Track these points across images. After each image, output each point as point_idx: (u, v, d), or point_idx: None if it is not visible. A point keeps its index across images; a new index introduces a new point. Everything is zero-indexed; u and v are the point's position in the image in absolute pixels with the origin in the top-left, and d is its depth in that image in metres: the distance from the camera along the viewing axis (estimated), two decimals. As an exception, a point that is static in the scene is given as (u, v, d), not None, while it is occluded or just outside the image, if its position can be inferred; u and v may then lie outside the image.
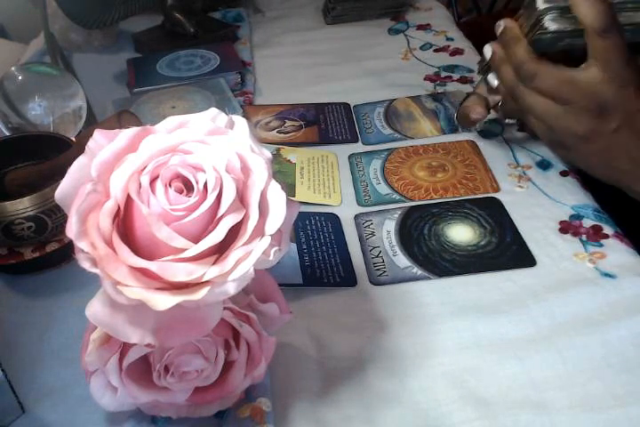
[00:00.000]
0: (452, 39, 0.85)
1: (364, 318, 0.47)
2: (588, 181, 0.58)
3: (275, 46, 0.88)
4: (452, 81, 0.75)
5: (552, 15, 0.47)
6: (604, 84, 0.46)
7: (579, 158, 0.52)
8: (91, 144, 0.32)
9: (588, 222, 0.53)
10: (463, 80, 0.75)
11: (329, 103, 0.73)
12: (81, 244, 0.29)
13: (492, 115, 0.62)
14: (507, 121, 0.59)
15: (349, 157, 0.64)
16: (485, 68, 0.57)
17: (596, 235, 0.52)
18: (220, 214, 0.30)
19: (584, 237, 0.52)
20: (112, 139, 0.32)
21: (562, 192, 0.56)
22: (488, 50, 0.54)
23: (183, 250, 0.30)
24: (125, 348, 0.35)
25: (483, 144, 0.63)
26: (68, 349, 0.45)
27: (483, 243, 0.52)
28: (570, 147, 0.50)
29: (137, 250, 0.30)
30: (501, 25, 0.52)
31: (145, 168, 0.31)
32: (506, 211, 0.55)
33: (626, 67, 0.45)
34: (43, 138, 0.56)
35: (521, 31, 0.50)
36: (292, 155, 0.64)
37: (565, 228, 0.53)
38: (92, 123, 0.66)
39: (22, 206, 0.47)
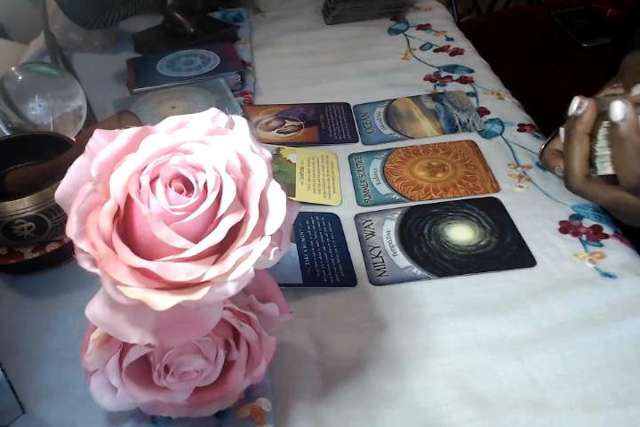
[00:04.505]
0: (451, 39, 0.85)
1: (364, 318, 0.47)
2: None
3: (275, 46, 0.88)
4: (452, 81, 0.75)
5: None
6: None
7: None
8: (91, 144, 0.32)
9: (588, 222, 0.53)
10: (463, 80, 0.75)
11: (329, 103, 0.73)
12: (81, 244, 0.29)
13: (494, 115, 0.62)
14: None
15: (349, 157, 0.64)
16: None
17: (595, 235, 0.52)
18: (220, 214, 0.30)
19: (584, 237, 0.52)
20: (112, 139, 0.32)
21: (562, 192, 0.56)
22: (574, 106, 0.47)
23: (183, 250, 0.30)
24: (125, 348, 0.35)
25: (483, 144, 0.63)
26: (68, 349, 0.45)
27: (483, 243, 0.52)
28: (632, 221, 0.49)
29: (137, 250, 0.30)
30: (584, 107, 0.46)
31: (145, 168, 0.31)
32: (506, 211, 0.55)
33: None
34: (43, 138, 0.56)
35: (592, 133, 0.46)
36: (292, 155, 0.64)
37: (565, 228, 0.53)
38: (91, 123, 0.66)
39: (22, 206, 0.47)
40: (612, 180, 0.46)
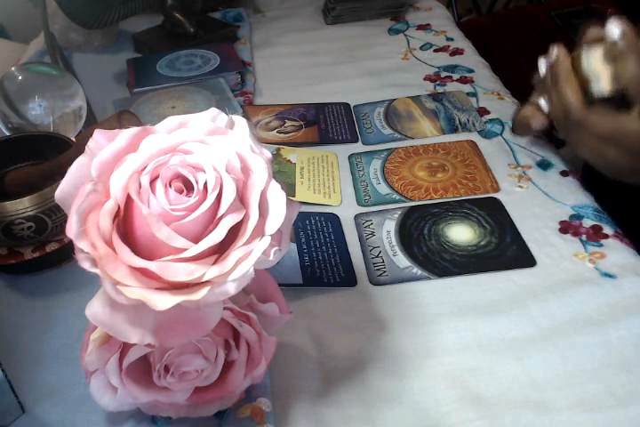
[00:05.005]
0: (452, 39, 0.85)
1: (364, 318, 0.47)
2: (588, 181, 0.58)
3: (275, 46, 0.88)
4: (452, 81, 0.75)
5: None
6: None
7: (632, 180, 0.51)
8: (91, 144, 0.32)
9: (587, 222, 0.53)
10: (463, 80, 0.75)
11: (329, 103, 0.73)
12: (81, 244, 0.29)
13: (494, 115, 0.62)
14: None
15: (349, 157, 0.64)
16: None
17: (595, 235, 0.52)
18: (220, 214, 0.30)
19: (584, 237, 0.52)
20: (112, 139, 0.32)
21: (562, 192, 0.56)
22: (542, 66, 0.52)
23: (183, 250, 0.30)
24: (125, 348, 0.35)
25: (483, 144, 0.63)
26: (68, 349, 0.45)
27: (483, 243, 0.52)
28: (623, 175, 0.50)
29: (137, 250, 0.30)
30: (554, 54, 0.50)
31: (145, 168, 0.31)
32: (506, 211, 0.55)
33: None
34: (43, 138, 0.56)
35: (575, 66, 0.49)
36: (292, 155, 0.64)
37: (565, 228, 0.53)
38: (91, 123, 0.66)
39: (22, 206, 0.47)
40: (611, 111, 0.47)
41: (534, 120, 0.55)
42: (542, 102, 0.54)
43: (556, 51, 0.50)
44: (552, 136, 0.65)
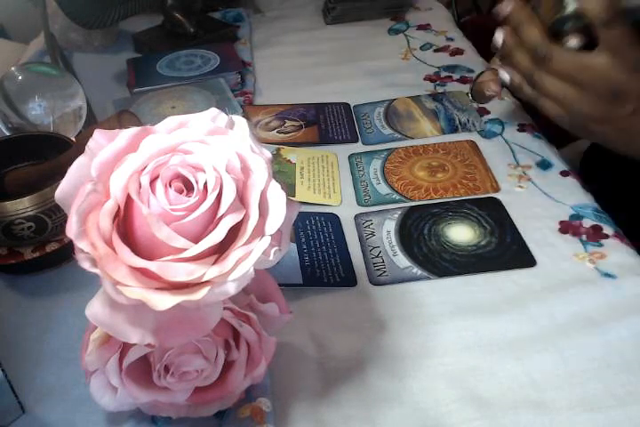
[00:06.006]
0: (452, 39, 0.85)
1: (364, 318, 0.47)
2: (590, 181, 0.59)
3: (275, 46, 0.88)
4: (452, 81, 0.75)
5: None
6: (616, 71, 0.45)
7: (597, 138, 0.51)
8: (91, 144, 0.32)
9: (587, 222, 0.53)
10: (463, 80, 0.75)
11: (329, 103, 0.73)
12: (81, 244, 0.29)
13: (494, 115, 0.62)
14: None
15: (349, 157, 0.64)
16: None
17: (595, 235, 0.52)
18: (220, 214, 0.30)
19: (584, 237, 0.52)
20: (112, 139, 0.32)
21: (562, 192, 0.56)
22: (499, 35, 0.53)
23: (183, 250, 0.30)
24: (125, 348, 0.35)
25: (483, 144, 0.63)
26: (68, 349, 0.45)
27: (483, 243, 0.52)
28: (587, 129, 0.50)
29: (137, 250, 0.30)
30: (508, 6, 0.51)
31: (145, 168, 0.31)
32: (506, 211, 0.55)
33: (636, 51, 0.45)
34: (43, 138, 0.56)
35: (536, 11, 0.49)
36: (292, 155, 0.64)
37: (565, 228, 0.53)
38: (91, 123, 0.66)
39: (22, 206, 0.47)
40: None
41: (488, 87, 0.57)
42: (502, 73, 0.54)
43: (506, 2, 0.51)
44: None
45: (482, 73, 0.59)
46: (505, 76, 0.54)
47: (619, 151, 0.51)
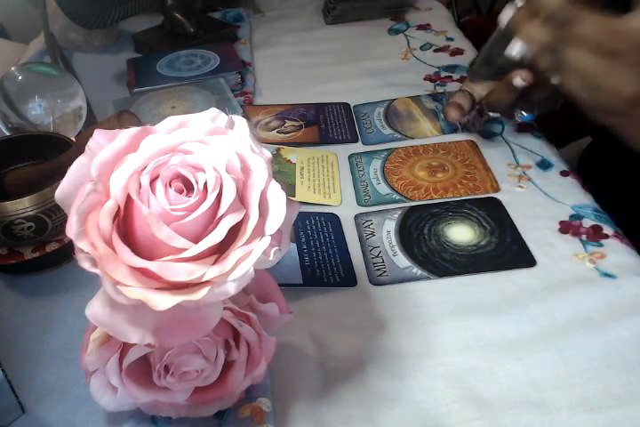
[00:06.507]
0: (452, 39, 0.85)
1: (364, 318, 0.47)
2: (588, 181, 0.59)
3: (275, 46, 0.88)
4: (452, 81, 0.75)
5: None
6: None
7: (628, 126, 0.43)
8: (91, 144, 0.32)
9: (587, 222, 0.53)
10: (463, 80, 0.74)
11: (329, 103, 0.73)
12: (81, 244, 0.29)
13: (494, 115, 0.62)
14: (491, 114, 0.60)
15: (349, 157, 0.64)
16: (478, 62, 0.57)
17: (595, 235, 0.52)
18: (220, 214, 0.30)
19: (584, 237, 0.52)
20: (112, 139, 0.32)
21: (562, 192, 0.56)
22: (507, 13, 0.45)
23: (183, 250, 0.30)
24: (125, 348, 0.35)
25: (483, 144, 0.63)
26: (68, 349, 0.45)
27: (483, 243, 0.52)
28: (617, 112, 0.41)
29: (137, 250, 0.30)
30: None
31: (145, 168, 0.31)
32: (506, 211, 0.55)
33: None
34: (43, 138, 0.56)
35: None
36: (292, 155, 0.64)
37: (565, 228, 0.53)
38: (91, 123, 0.66)
39: (22, 206, 0.47)
40: None
41: (448, 113, 0.60)
42: (510, 48, 0.46)
43: None
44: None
45: (454, 94, 0.62)
46: (478, 92, 0.53)
47: None
